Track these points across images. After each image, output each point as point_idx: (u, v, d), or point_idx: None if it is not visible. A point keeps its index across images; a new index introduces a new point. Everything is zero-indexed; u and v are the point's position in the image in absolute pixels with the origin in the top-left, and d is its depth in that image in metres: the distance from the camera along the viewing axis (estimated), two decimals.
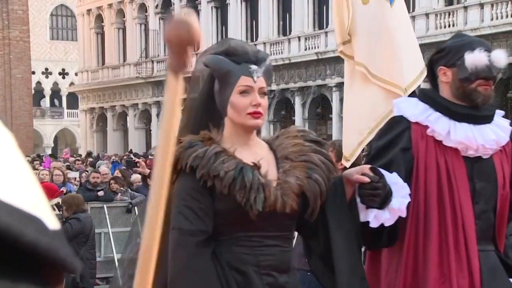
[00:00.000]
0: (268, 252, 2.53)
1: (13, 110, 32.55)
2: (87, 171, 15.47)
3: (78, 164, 20.37)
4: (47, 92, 56.72)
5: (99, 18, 42.88)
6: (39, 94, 54.19)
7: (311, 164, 2.57)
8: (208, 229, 2.47)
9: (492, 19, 23.88)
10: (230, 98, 2.53)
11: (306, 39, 30.66)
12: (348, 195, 2.64)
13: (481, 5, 24.31)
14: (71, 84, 51.66)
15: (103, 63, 42.76)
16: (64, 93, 55.19)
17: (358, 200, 2.67)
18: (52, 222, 0.49)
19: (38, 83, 54.51)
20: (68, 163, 19.16)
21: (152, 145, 37.85)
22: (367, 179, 2.61)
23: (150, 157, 23.00)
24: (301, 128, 2.77)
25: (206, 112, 2.60)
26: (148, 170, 9.27)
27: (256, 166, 2.50)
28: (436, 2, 26.20)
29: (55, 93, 57.08)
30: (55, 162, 18.52)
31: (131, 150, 33.16)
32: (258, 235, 2.51)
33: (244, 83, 2.53)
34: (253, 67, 2.57)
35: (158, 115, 38.62)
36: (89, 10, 43.27)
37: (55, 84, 56.82)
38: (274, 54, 31.88)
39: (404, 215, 2.72)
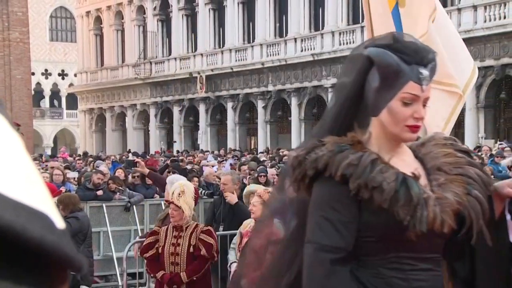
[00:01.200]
0: (422, 277, 2.18)
1: (13, 111, 32.49)
2: (86, 170, 15.44)
3: (79, 163, 20.37)
4: (47, 93, 56.65)
5: (98, 20, 42.85)
6: (38, 95, 54.12)
7: (469, 179, 2.20)
8: (347, 247, 2.14)
9: (485, 21, 23.91)
10: (390, 103, 2.17)
11: (302, 40, 30.66)
12: (497, 212, 2.26)
13: (475, 7, 24.34)
14: (71, 85, 51.61)
15: (102, 64, 42.73)
16: (63, 94, 55.15)
17: (508, 217, 2.28)
18: (59, 220, 0.48)
19: (38, 84, 54.43)
20: (67, 163, 19.12)
21: (150, 145, 37.86)
22: None
23: (148, 156, 23.02)
24: (447, 136, 2.39)
25: (351, 108, 2.24)
26: (148, 170, 9.26)
27: (416, 178, 2.15)
28: None
29: (55, 94, 57.01)
30: (52, 162, 18.49)
31: (129, 150, 33.14)
32: (411, 256, 2.17)
33: (411, 91, 2.15)
34: (424, 72, 2.16)
35: (156, 115, 38.62)
36: (88, 12, 43.24)
37: (55, 85, 56.75)
38: (270, 55, 31.90)
39: None
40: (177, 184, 5.86)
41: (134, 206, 10.89)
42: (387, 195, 2.07)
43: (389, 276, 2.16)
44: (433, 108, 4.48)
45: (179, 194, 5.58)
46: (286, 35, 31.50)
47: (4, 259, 0.44)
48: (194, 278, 5.60)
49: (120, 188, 11.03)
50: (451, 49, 4.34)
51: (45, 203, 0.47)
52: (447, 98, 4.32)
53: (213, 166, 16.85)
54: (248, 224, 6.19)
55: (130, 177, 12.22)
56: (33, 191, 0.46)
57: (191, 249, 5.59)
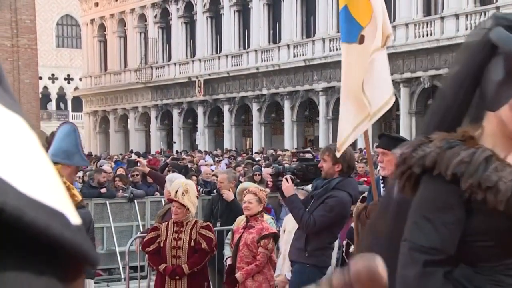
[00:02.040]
0: None
1: None
2: (90, 169, 15.40)
3: None
4: (53, 96, 56.57)
5: (102, 27, 42.79)
6: (46, 98, 54.01)
7: None
8: (445, 249, 1.85)
9: (467, 29, 23.95)
10: None
11: (294, 47, 30.68)
12: None
13: (457, 16, 24.39)
14: (76, 88, 51.54)
15: (106, 69, 42.68)
16: (69, 97, 55.07)
17: None
18: (74, 217, 0.48)
19: (45, 87, 54.33)
20: None
21: (151, 146, 37.83)
22: None
23: (149, 156, 22.99)
24: None
25: (464, 99, 1.91)
26: (148, 169, 9.24)
27: None
28: (415, 12, 26.25)
29: (61, 97, 56.92)
30: None
31: (131, 150, 33.10)
32: None
33: None
34: None
35: (156, 117, 38.58)
36: (92, 20, 43.17)
37: (61, 88, 56.67)
38: (264, 61, 31.91)
39: None
40: (179, 182, 5.83)
41: (136, 203, 10.89)
42: (502, 196, 1.76)
43: (509, 284, 1.85)
44: (347, 112, 4.55)
45: (183, 193, 5.57)
46: (279, 42, 31.52)
47: (26, 253, 0.44)
48: (195, 270, 5.61)
49: (124, 186, 11.03)
50: (380, 74, 4.43)
51: (61, 201, 0.46)
52: (359, 111, 4.38)
53: (211, 166, 16.85)
54: (241, 221, 6.18)
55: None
56: (50, 190, 0.46)
57: (192, 243, 5.60)
